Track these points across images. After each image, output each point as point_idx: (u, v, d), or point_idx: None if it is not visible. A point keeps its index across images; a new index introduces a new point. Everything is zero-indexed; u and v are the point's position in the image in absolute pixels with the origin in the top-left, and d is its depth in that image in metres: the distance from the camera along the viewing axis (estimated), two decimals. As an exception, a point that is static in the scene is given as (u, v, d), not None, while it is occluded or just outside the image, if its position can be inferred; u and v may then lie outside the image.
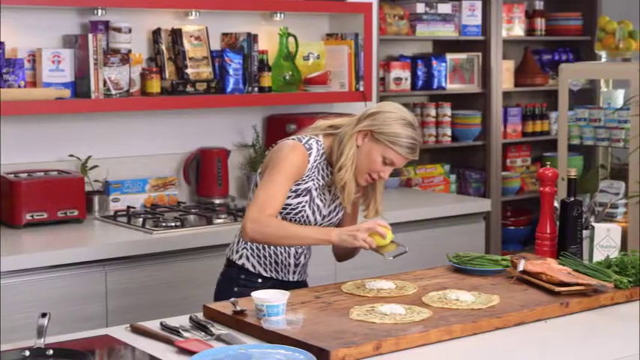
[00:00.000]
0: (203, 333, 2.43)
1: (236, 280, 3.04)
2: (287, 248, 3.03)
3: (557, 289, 2.72)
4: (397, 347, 2.32)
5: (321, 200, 2.99)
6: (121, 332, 2.49)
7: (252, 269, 3.03)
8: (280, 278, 3.04)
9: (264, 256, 3.03)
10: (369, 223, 2.83)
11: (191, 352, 2.25)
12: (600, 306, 2.73)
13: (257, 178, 3.00)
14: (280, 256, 3.04)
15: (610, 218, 4.83)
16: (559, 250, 3.15)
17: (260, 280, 3.02)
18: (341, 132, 2.97)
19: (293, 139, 2.98)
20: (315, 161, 2.95)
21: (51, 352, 2.24)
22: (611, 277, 2.81)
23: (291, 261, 3.05)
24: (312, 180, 2.96)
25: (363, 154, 2.92)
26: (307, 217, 2.97)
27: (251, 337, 2.42)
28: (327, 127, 3.02)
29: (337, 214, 3.05)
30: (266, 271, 3.03)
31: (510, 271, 2.96)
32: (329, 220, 3.04)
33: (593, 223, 3.19)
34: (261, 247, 3.02)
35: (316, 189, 2.97)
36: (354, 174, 2.94)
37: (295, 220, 2.96)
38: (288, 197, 2.93)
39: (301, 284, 3.10)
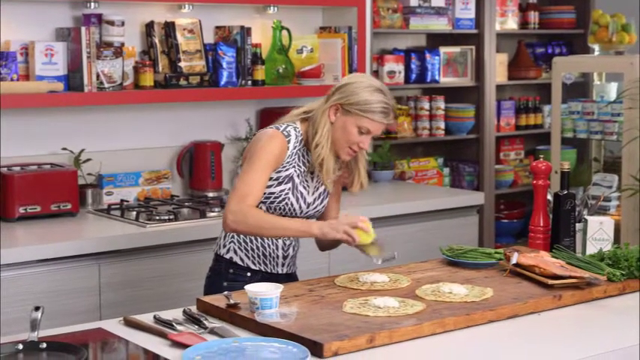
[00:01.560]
0: (196, 326, 2.44)
1: (225, 275, 3.03)
2: (274, 240, 3.02)
3: (550, 282, 2.73)
4: (390, 340, 2.32)
5: (305, 187, 2.99)
6: (114, 325, 2.49)
7: (240, 262, 3.02)
8: (269, 271, 3.04)
9: (252, 249, 3.02)
10: (350, 218, 2.83)
11: (184, 346, 2.25)
12: (593, 299, 2.73)
13: (239, 170, 2.99)
14: (268, 249, 3.03)
15: (603, 211, 4.84)
16: (552, 243, 3.15)
17: (249, 274, 3.01)
18: (313, 113, 2.98)
19: (271, 127, 2.98)
20: (294, 147, 2.96)
21: (44, 345, 2.24)
22: (604, 270, 2.82)
23: (280, 253, 3.04)
24: (293, 167, 2.96)
25: (339, 129, 2.92)
26: (291, 204, 2.97)
27: (244, 330, 2.42)
28: (301, 112, 3.03)
29: (322, 201, 3.04)
30: (254, 263, 3.02)
31: (503, 264, 2.97)
32: (314, 209, 3.03)
33: (586, 216, 3.20)
34: (248, 240, 3.02)
35: (298, 176, 2.97)
36: (335, 150, 2.94)
37: (280, 209, 2.96)
38: (271, 186, 2.93)
39: (291, 277, 3.09)
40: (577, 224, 3.18)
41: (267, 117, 4.56)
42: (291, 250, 3.08)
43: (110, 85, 4.00)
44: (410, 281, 2.81)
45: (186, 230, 3.74)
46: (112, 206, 4.04)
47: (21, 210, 3.77)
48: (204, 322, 2.44)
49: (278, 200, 2.95)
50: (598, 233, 3.13)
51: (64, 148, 4.08)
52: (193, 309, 2.58)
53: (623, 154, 4.92)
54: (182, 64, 4.22)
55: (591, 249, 3.11)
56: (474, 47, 5.62)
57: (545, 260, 2.84)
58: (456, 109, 5.62)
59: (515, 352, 2.33)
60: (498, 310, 2.53)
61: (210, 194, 4.31)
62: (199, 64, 4.27)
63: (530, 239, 3.26)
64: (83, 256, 3.50)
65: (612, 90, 5.41)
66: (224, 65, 4.31)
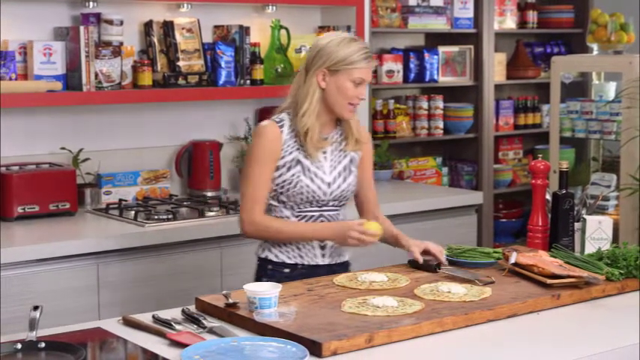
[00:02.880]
0: (195, 326, 2.44)
1: (265, 271, 3.07)
2: None
3: (548, 281, 2.73)
4: (389, 339, 2.32)
5: (318, 167, 3.00)
6: (113, 325, 2.49)
7: (275, 259, 3.05)
8: (307, 263, 3.04)
9: (285, 244, 3.05)
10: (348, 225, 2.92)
11: (183, 345, 2.25)
12: (592, 298, 2.73)
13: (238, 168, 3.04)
14: (269, 240, 3.05)
15: (601, 211, 4.84)
16: (551, 242, 3.16)
17: (287, 270, 3.03)
18: (295, 89, 3.03)
19: (266, 120, 3.04)
20: (292, 131, 2.99)
21: (43, 344, 2.24)
22: (603, 270, 2.82)
23: (315, 244, 3.05)
24: (297, 149, 2.99)
25: (334, 91, 2.96)
26: (307, 186, 2.98)
27: (243, 329, 2.42)
28: (288, 100, 3.06)
29: (345, 179, 3.04)
30: (289, 257, 3.04)
31: (502, 264, 2.97)
32: (338, 188, 3.03)
33: (584, 216, 3.20)
34: None
35: (305, 157, 2.99)
36: (338, 112, 2.99)
37: (300, 195, 2.98)
38: (280, 174, 2.96)
39: (340, 266, 3.08)
40: (576, 224, 3.18)
41: (266, 116, 4.52)
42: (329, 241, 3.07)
43: (109, 84, 4.00)
44: (409, 281, 2.81)
45: (185, 230, 3.74)
46: (111, 206, 4.04)
47: (19, 209, 3.77)
48: (203, 321, 2.44)
49: (292, 186, 2.97)
50: (596, 232, 3.13)
51: (63, 148, 4.08)
52: (192, 308, 2.58)
53: (622, 154, 4.92)
54: (181, 63, 4.22)
55: (590, 248, 3.11)
56: (472, 47, 5.62)
57: (544, 260, 2.85)
58: (454, 109, 5.63)
59: (514, 352, 2.33)
60: (497, 310, 2.53)
61: (209, 194, 4.31)
62: (198, 64, 4.27)
63: (528, 239, 3.26)
64: (82, 255, 3.50)
65: (611, 89, 5.41)
66: (223, 64, 4.31)
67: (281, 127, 2.99)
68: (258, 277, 3.07)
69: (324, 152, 3.02)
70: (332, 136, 3.05)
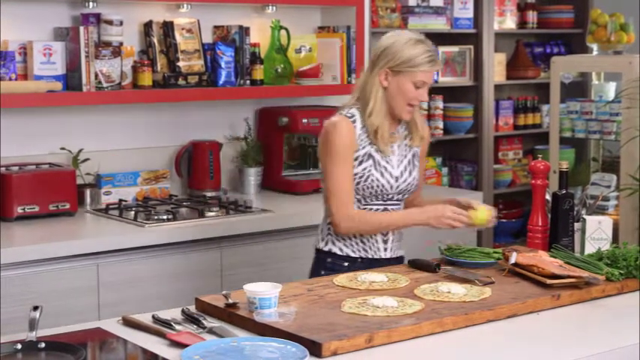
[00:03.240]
0: (195, 326, 2.43)
1: (323, 265, 3.12)
2: None
3: (548, 281, 2.72)
4: (389, 340, 2.32)
5: (387, 162, 3.05)
6: (112, 325, 2.49)
7: (339, 252, 3.10)
8: (371, 256, 3.10)
9: (350, 237, 3.10)
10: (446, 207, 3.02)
11: (183, 345, 2.25)
12: (592, 298, 2.73)
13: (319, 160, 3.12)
14: (366, 234, 3.10)
15: (601, 211, 4.84)
16: (551, 242, 3.15)
17: (346, 264, 3.08)
18: (361, 85, 3.07)
19: (335, 115, 3.08)
20: (363, 127, 3.04)
21: (43, 345, 2.24)
22: (603, 270, 2.82)
23: (379, 238, 3.11)
24: (369, 144, 3.04)
25: (394, 91, 3.01)
26: (377, 180, 3.04)
27: (243, 329, 2.42)
28: (354, 94, 3.11)
29: (411, 174, 3.11)
30: (354, 251, 3.10)
31: (502, 264, 2.96)
32: (405, 182, 3.09)
33: (584, 216, 3.20)
34: None
35: (376, 151, 3.05)
36: (396, 113, 3.04)
37: (369, 189, 3.04)
38: (353, 167, 3.02)
39: (399, 261, 3.14)
40: (575, 224, 3.18)
41: (266, 116, 4.56)
42: (390, 234, 3.12)
43: (108, 84, 4.00)
44: (408, 281, 2.81)
45: (185, 230, 3.74)
46: (111, 206, 4.04)
47: (19, 210, 3.77)
48: (203, 321, 2.44)
49: (364, 179, 3.03)
50: (596, 233, 3.13)
51: (63, 148, 4.08)
52: (192, 308, 2.58)
53: (622, 154, 4.92)
54: (181, 63, 4.22)
55: (590, 248, 3.11)
56: (472, 47, 5.62)
57: (544, 260, 2.85)
58: (454, 109, 5.63)
59: (514, 352, 2.33)
60: (497, 310, 2.53)
61: (209, 194, 4.30)
62: (198, 64, 4.27)
63: (528, 239, 3.26)
64: (81, 255, 3.49)
65: (611, 89, 5.41)
66: (222, 65, 4.31)
67: (353, 122, 3.05)
68: (316, 270, 3.14)
69: (392, 147, 3.08)
70: (398, 130, 3.11)
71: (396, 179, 3.08)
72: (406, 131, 3.14)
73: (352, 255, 3.11)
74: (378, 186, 3.05)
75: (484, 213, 3.05)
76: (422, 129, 3.15)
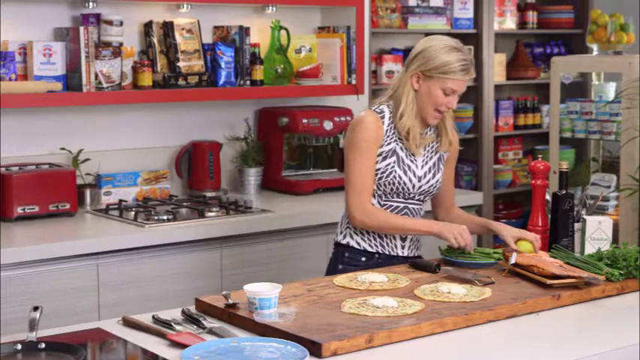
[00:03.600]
0: (195, 326, 2.43)
1: (341, 259, 3.15)
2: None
3: (548, 281, 2.73)
4: (389, 340, 2.32)
5: (412, 161, 3.08)
6: (113, 325, 2.49)
7: (356, 246, 3.13)
8: (388, 253, 3.12)
9: (368, 232, 3.12)
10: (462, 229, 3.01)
11: (183, 346, 2.25)
12: (592, 299, 2.73)
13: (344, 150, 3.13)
14: (378, 232, 3.12)
15: (601, 211, 4.84)
16: (551, 242, 3.16)
17: (364, 259, 3.11)
18: (395, 85, 3.10)
19: (365, 110, 3.13)
20: (391, 122, 3.07)
21: (43, 345, 2.24)
22: (603, 270, 2.82)
23: (397, 235, 3.12)
24: (395, 141, 3.07)
25: (424, 95, 3.03)
26: (400, 177, 3.06)
27: (243, 330, 2.42)
28: (388, 92, 3.14)
29: (435, 175, 3.13)
30: (371, 246, 3.12)
31: (502, 264, 2.96)
32: (427, 183, 3.11)
33: (584, 216, 3.20)
34: None
35: (401, 149, 3.07)
36: (423, 116, 3.05)
37: (391, 185, 3.06)
38: (376, 162, 3.04)
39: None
40: (575, 224, 3.18)
41: (266, 117, 4.56)
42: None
43: (109, 84, 4.00)
44: (409, 281, 2.81)
45: (185, 230, 3.74)
46: (111, 206, 4.04)
47: (19, 210, 3.77)
48: (203, 322, 2.44)
49: (386, 175, 3.05)
50: (596, 233, 3.13)
51: (63, 148, 4.08)
52: (192, 309, 2.58)
53: (622, 154, 4.92)
54: (181, 63, 4.22)
55: (590, 249, 3.11)
56: (472, 47, 5.62)
57: (544, 260, 2.85)
58: (454, 109, 5.62)
59: (514, 352, 2.33)
60: (497, 310, 2.53)
61: (209, 194, 4.31)
62: (198, 64, 4.27)
63: (528, 242, 3.25)
64: (82, 256, 3.50)
65: (611, 90, 5.41)
66: (222, 65, 4.31)
67: (382, 117, 3.07)
68: (334, 264, 3.17)
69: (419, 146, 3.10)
70: (426, 132, 3.13)
71: (419, 179, 3.10)
72: (435, 134, 3.16)
73: (369, 250, 3.13)
74: (399, 183, 3.07)
75: (528, 246, 3.03)
76: (451, 135, 3.16)
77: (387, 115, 3.08)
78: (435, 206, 3.29)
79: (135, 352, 2.33)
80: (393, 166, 3.06)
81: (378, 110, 3.09)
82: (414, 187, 3.09)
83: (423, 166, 3.11)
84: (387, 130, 3.07)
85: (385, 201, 3.11)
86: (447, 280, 2.82)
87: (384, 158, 3.06)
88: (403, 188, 3.08)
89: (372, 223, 3.06)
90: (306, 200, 4.31)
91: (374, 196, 3.10)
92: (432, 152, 3.14)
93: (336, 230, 3.23)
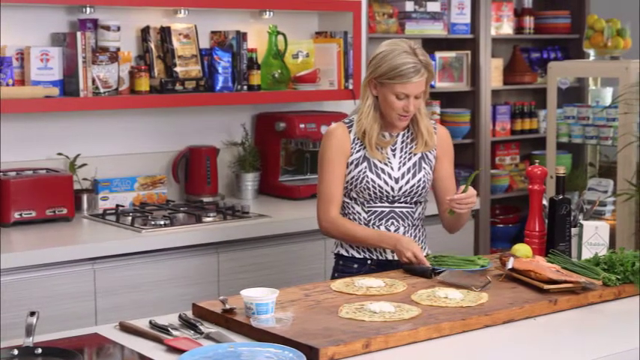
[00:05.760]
0: (192, 331, 2.43)
1: (337, 267, 3.20)
2: (376, 228, 3.13)
3: (545, 286, 2.73)
4: (386, 345, 2.32)
5: (386, 164, 3.08)
6: (110, 331, 2.48)
7: (345, 253, 3.16)
8: (377, 257, 3.13)
9: None
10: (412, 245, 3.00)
11: (180, 351, 2.25)
12: (589, 303, 2.73)
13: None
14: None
15: (598, 216, 4.85)
16: (548, 247, 3.16)
17: (356, 265, 3.14)
18: (361, 92, 3.14)
19: (337, 122, 3.18)
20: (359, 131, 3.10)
21: (40, 350, 2.24)
22: (600, 275, 2.82)
23: None
24: (364, 148, 3.09)
25: (382, 101, 3.06)
26: (373, 181, 3.08)
27: (240, 335, 2.42)
28: (358, 102, 3.19)
29: (415, 175, 3.12)
30: (359, 252, 3.14)
31: (499, 269, 2.97)
32: (407, 183, 3.11)
33: (581, 221, 3.20)
34: None
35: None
36: (389, 121, 3.07)
37: (367, 190, 3.08)
38: (349, 171, 3.09)
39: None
40: (572, 229, 3.18)
41: (263, 122, 4.57)
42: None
43: (106, 90, 4.00)
44: (405, 286, 2.81)
45: (182, 235, 3.74)
46: (108, 211, 4.04)
47: (16, 215, 3.77)
48: (200, 327, 2.44)
49: (359, 181, 3.08)
50: (593, 238, 3.13)
51: (60, 153, 4.08)
52: (189, 314, 2.58)
53: (619, 159, 4.93)
54: (178, 69, 4.22)
55: (587, 254, 3.11)
56: (469, 52, 5.63)
57: (541, 265, 2.85)
58: (451, 114, 5.63)
59: (511, 357, 2.33)
60: (494, 315, 2.53)
61: (206, 199, 4.30)
62: (195, 69, 4.27)
63: (525, 244, 3.26)
64: (79, 261, 3.49)
65: (607, 95, 5.42)
66: (220, 70, 4.31)
67: (349, 127, 3.11)
68: (332, 274, 3.21)
69: (394, 149, 3.12)
70: (403, 134, 3.14)
71: (397, 180, 3.10)
72: (412, 136, 3.16)
73: (357, 256, 3.15)
74: (375, 187, 3.08)
75: (525, 251, 3.06)
76: (427, 135, 3.14)
77: (356, 124, 3.12)
78: (438, 205, 3.28)
79: (132, 358, 2.32)
80: (365, 172, 3.08)
81: (346, 121, 3.15)
82: (392, 189, 3.10)
83: (400, 168, 3.11)
84: (354, 139, 3.10)
85: (369, 207, 3.12)
86: (444, 285, 2.82)
87: (356, 165, 3.09)
88: (381, 192, 3.09)
89: (336, 234, 3.13)
90: (303, 205, 4.31)
91: (359, 204, 3.12)
92: (408, 153, 3.14)
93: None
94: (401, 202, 3.13)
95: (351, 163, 3.09)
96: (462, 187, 3.04)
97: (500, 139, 5.89)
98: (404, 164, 3.12)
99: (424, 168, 3.15)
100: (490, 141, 5.74)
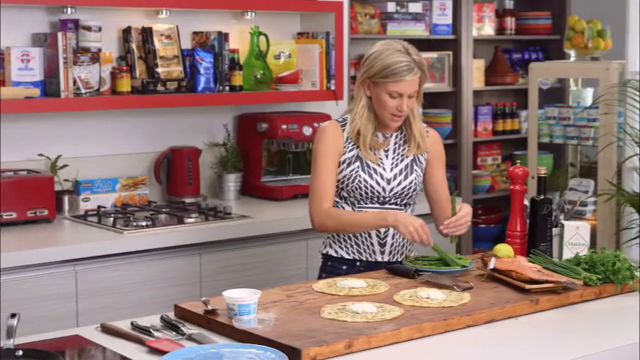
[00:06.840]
0: (174, 332, 2.43)
1: (324, 268, 3.18)
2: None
3: (527, 286, 2.74)
4: (369, 346, 2.32)
5: (379, 164, 3.08)
6: (91, 332, 2.48)
7: (335, 254, 3.14)
8: (366, 259, 3.12)
9: (345, 239, 3.15)
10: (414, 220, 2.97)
11: (162, 352, 2.24)
12: (570, 303, 2.75)
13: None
14: (360, 237, 3.13)
15: (579, 216, 4.88)
16: (529, 247, 3.17)
17: (345, 267, 3.12)
18: (355, 92, 3.14)
19: (330, 120, 3.18)
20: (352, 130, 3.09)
21: (20, 352, 2.23)
22: (581, 275, 2.83)
23: (374, 241, 3.13)
24: (358, 147, 3.08)
25: (375, 101, 3.06)
26: (365, 181, 3.07)
27: (222, 336, 2.42)
28: (353, 101, 3.18)
29: (407, 177, 3.12)
30: (348, 253, 3.13)
31: (481, 269, 2.97)
32: (399, 185, 3.11)
33: (562, 221, 3.22)
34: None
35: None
36: (383, 122, 3.07)
37: (359, 190, 3.08)
38: (341, 170, 3.08)
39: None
40: (554, 229, 3.19)
41: (245, 123, 4.56)
42: (389, 238, 3.13)
43: (87, 90, 3.99)
44: (388, 286, 2.81)
45: (164, 236, 3.73)
46: (89, 212, 4.02)
47: (-3, 216, 3.75)
48: (182, 328, 2.44)
49: (351, 181, 3.08)
50: (574, 238, 3.15)
51: (41, 154, 4.06)
52: (171, 315, 2.57)
53: (599, 160, 4.95)
54: (159, 69, 4.21)
55: (568, 253, 3.12)
56: (451, 53, 5.64)
57: (522, 265, 2.86)
58: (433, 115, 5.64)
59: (493, 357, 2.34)
60: (476, 315, 2.54)
61: (188, 200, 4.29)
62: (177, 70, 4.26)
63: (507, 244, 3.27)
64: (60, 262, 3.48)
65: (588, 95, 5.45)
66: (202, 71, 4.30)
67: (343, 125, 3.11)
68: (319, 274, 3.19)
69: (386, 150, 3.12)
70: (396, 136, 3.14)
71: (388, 181, 3.10)
72: (405, 138, 3.16)
73: (346, 257, 3.14)
74: (366, 187, 3.08)
75: (507, 251, 3.07)
76: (419, 138, 3.15)
77: (349, 123, 3.12)
78: (432, 209, 3.28)
79: (114, 359, 2.32)
80: (357, 171, 3.08)
81: (340, 119, 3.15)
82: (384, 189, 3.10)
83: (392, 169, 3.12)
84: (347, 138, 3.10)
85: (360, 207, 3.12)
86: (426, 285, 2.83)
87: (349, 165, 3.09)
88: (372, 192, 3.09)
89: (330, 223, 3.08)
90: (285, 206, 4.30)
91: (349, 204, 3.12)
92: (400, 155, 3.14)
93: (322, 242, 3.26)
94: (391, 204, 3.13)
95: (343, 162, 3.09)
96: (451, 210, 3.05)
97: (481, 140, 5.91)
98: (396, 165, 3.13)
99: (415, 170, 3.16)
100: (472, 141, 5.76)
